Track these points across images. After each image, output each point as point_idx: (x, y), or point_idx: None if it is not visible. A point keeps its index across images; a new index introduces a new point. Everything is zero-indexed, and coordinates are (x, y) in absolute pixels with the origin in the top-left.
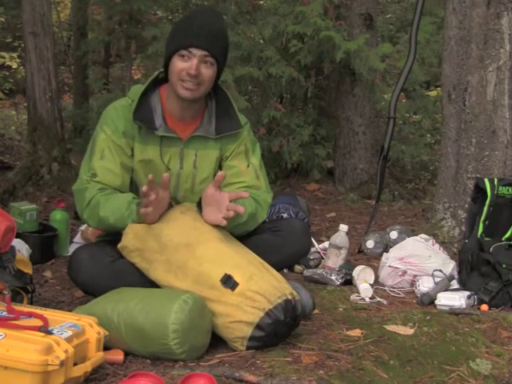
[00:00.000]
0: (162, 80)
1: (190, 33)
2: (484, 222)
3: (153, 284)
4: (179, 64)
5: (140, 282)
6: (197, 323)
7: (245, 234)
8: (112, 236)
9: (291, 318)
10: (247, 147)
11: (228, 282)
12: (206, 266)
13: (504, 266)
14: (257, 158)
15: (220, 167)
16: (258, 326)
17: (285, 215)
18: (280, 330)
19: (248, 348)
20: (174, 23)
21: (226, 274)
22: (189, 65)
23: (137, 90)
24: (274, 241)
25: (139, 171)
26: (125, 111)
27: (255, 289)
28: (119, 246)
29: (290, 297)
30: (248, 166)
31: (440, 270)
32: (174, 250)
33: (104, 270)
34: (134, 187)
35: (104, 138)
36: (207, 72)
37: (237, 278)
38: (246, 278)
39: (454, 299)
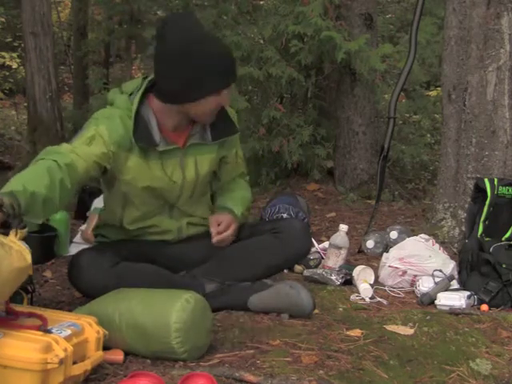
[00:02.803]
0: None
1: (228, 71)
2: (484, 221)
3: (154, 288)
4: (216, 100)
5: (141, 285)
6: (198, 322)
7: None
8: (111, 236)
9: None
10: (238, 143)
11: None
12: None
13: (504, 265)
14: (240, 147)
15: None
16: None
17: (285, 215)
18: None
19: None
20: (195, 62)
21: None
22: (222, 98)
23: (125, 101)
24: (274, 242)
25: (140, 192)
26: (126, 124)
27: None
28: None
29: None
30: (239, 158)
31: (440, 270)
32: None
33: (105, 275)
34: (120, 196)
35: (95, 133)
36: None
37: None
38: None
39: (454, 299)
